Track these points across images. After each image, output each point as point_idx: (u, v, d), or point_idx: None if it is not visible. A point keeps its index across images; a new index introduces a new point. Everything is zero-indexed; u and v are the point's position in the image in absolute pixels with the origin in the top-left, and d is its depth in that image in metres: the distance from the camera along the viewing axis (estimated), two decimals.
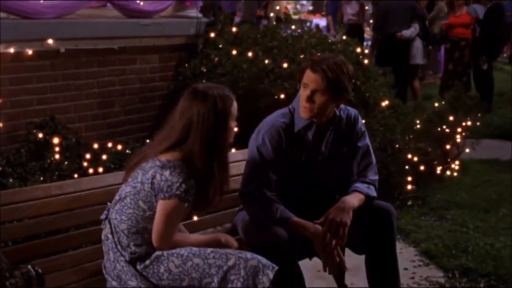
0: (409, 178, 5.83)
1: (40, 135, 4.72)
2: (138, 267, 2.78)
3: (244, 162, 3.34)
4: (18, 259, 2.89)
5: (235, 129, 2.90)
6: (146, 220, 2.79)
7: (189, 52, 6.21)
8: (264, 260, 2.78)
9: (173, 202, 2.73)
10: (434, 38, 10.17)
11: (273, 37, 5.96)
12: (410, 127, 6.17)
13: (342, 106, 3.39)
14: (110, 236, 2.83)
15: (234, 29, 6.19)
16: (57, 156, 4.63)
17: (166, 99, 5.99)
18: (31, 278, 2.62)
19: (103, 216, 2.90)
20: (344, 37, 6.40)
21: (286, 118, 3.29)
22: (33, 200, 2.97)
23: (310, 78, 3.14)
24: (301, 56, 5.75)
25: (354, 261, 3.75)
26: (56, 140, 4.68)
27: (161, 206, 2.75)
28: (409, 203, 5.69)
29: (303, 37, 5.92)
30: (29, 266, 2.64)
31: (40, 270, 2.62)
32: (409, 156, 5.97)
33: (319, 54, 5.69)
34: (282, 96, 5.63)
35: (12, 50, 4.89)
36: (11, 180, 4.25)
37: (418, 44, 9.39)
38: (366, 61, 6.24)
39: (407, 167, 5.91)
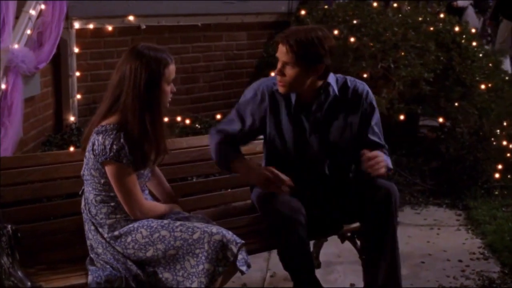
0: (499, 166, 5.45)
1: None
2: (106, 235, 2.85)
3: None
4: (20, 220, 3.09)
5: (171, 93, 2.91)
6: (106, 187, 2.85)
7: (280, 30, 6.16)
8: (228, 235, 2.77)
9: (112, 165, 2.79)
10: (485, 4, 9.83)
11: (360, 14, 5.77)
12: (507, 112, 5.75)
13: (350, 78, 3.29)
14: (83, 208, 2.93)
15: (326, 7, 6.08)
16: None
17: (252, 76, 6.03)
18: (10, 237, 2.80)
19: (80, 191, 3.01)
20: (442, 15, 6.08)
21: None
22: (41, 165, 3.16)
23: (280, 51, 3.10)
24: (387, 34, 5.54)
25: None
26: None
27: (107, 173, 2.82)
28: (496, 192, 5.33)
29: (388, 14, 5.67)
30: (9, 226, 2.81)
31: (13, 229, 2.79)
32: (504, 143, 5.58)
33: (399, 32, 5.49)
34: (365, 75, 5.49)
35: (91, 26, 5.16)
36: (72, 148, 4.49)
37: (469, 11, 9.27)
38: (463, 41, 5.88)
39: (507, 154, 5.54)
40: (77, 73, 5.16)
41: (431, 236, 4.68)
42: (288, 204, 3.10)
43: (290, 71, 3.08)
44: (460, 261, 4.24)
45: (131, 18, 5.32)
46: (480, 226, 4.76)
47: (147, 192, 3.06)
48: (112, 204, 2.87)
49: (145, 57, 2.82)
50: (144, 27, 5.42)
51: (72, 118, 5.15)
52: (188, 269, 2.76)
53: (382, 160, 3.05)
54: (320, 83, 3.17)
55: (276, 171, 3.04)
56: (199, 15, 5.70)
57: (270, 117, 3.23)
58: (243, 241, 2.79)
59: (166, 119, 2.99)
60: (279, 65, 3.12)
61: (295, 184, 3.10)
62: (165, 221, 2.86)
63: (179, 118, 5.23)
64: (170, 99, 2.93)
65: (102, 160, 2.79)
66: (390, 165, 3.27)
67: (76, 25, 5.08)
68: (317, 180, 3.28)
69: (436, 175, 5.59)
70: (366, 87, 3.28)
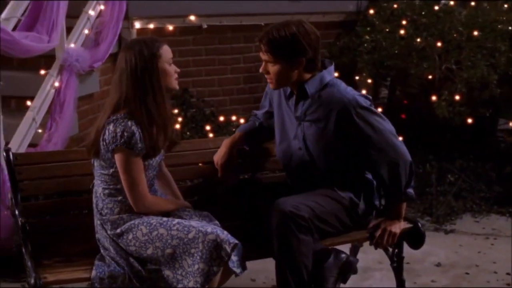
0: None
1: None
2: (109, 232, 2.92)
3: None
4: (42, 213, 3.25)
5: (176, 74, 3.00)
6: (114, 180, 2.92)
7: (349, 30, 6.08)
8: (222, 235, 2.78)
9: (121, 152, 2.84)
10: None
11: (428, 13, 5.57)
12: None
13: (343, 87, 3.19)
14: (93, 203, 3.02)
15: (395, 6, 5.92)
16: (177, 126, 4.92)
17: None
18: (20, 226, 2.94)
19: (91, 185, 3.08)
20: None
21: None
22: (66, 161, 3.27)
23: (260, 51, 3.17)
24: (455, 35, 5.32)
25: None
26: (175, 111, 4.97)
27: (116, 160, 2.87)
28: None
29: (453, 13, 5.45)
30: (19, 219, 2.94)
31: (23, 222, 2.93)
32: None
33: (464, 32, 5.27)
34: (430, 77, 5.33)
35: (152, 26, 5.28)
36: None
37: None
38: None
39: None
40: None
41: (484, 246, 4.47)
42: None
43: (272, 68, 3.15)
44: (508, 274, 4.03)
45: (192, 17, 5.41)
46: None
47: (156, 186, 3.11)
48: (119, 198, 2.93)
49: (137, 46, 2.91)
50: (206, 26, 5.49)
51: None
52: (185, 268, 2.79)
53: (388, 233, 3.26)
54: (308, 75, 3.17)
55: (222, 163, 3.35)
56: (262, 15, 5.67)
57: (275, 104, 3.38)
58: (236, 241, 2.79)
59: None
60: (262, 65, 3.19)
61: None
62: (164, 219, 2.90)
63: (234, 117, 5.27)
64: (177, 80, 3.01)
65: (113, 148, 2.86)
66: (411, 193, 3.27)
67: (137, 25, 5.22)
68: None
69: (505, 182, 5.33)
70: (354, 103, 3.11)
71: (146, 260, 2.87)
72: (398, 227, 3.31)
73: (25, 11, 4.13)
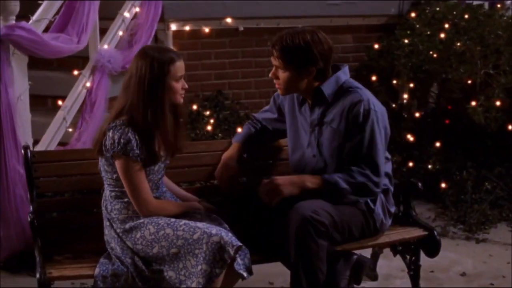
0: None
1: (195, 107, 5.09)
2: (118, 230, 2.97)
3: None
4: (56, 210, 3.34)
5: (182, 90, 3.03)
6: (118, 183, 2.96)
7: (390, 33, 5.99)
8: (227, 237, 2.79)
9: (120, 158, 2.90)
10: None
11: (471, 17, 5.44)
12: None
13: (355, 86, 3.19)
14: (102, 205, 3.07)
15: (438, 8, 5.80)
16: (209, 128, 4.96)
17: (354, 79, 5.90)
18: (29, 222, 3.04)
19: (102, 189, 3.13)
20: None
21: None
22: (81, 160, 3.35)
23: (272, 56, 3.15)
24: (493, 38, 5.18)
25: None
26: (207, 113, 5.00)
27: (116, 165, 2.93)
28: None
29: (494, 16, 5.30)
30: (29, 215, 3.03)
31: (32, 218, 3.03)
32: None
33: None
34: (469, 81, 5.20)
35: (187, 28, 5.34)
36: None
37: None
38: None
39: None
40: None
41: None
42: None
43: (282, 75, 3.15)
44: None
45: (228, 20, 5.43)
46: None
47: (164, 189, 3.15)
48: (126, 200, 2.99)
49: (149, 56, 2.94)
50: (242, 29, 5.51)
51: None
52: (189, 268, 2.83)
53: (277, 187, 3.03)
54: (317, 84, 3.16)
55: (225, 178, 3.33)
56: (301, 17, 5.63)
57: (288, 112, 3.36)
58: (240, 244, 2.80)
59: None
60: (273, 69, 3.18)
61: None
62: (172, 219, 2.94)
63: None
64: (182, 95, 3.05)
65: (111, 154, 2.92)
66: (342, 185, 3.08)
67: (173, 27, 5.27)
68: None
69: None
70: (366, 102, 3.09)
71: (151, 260, 2.91)
72: (288, 187, 3.09)
73: (56, 13, 4.24)
